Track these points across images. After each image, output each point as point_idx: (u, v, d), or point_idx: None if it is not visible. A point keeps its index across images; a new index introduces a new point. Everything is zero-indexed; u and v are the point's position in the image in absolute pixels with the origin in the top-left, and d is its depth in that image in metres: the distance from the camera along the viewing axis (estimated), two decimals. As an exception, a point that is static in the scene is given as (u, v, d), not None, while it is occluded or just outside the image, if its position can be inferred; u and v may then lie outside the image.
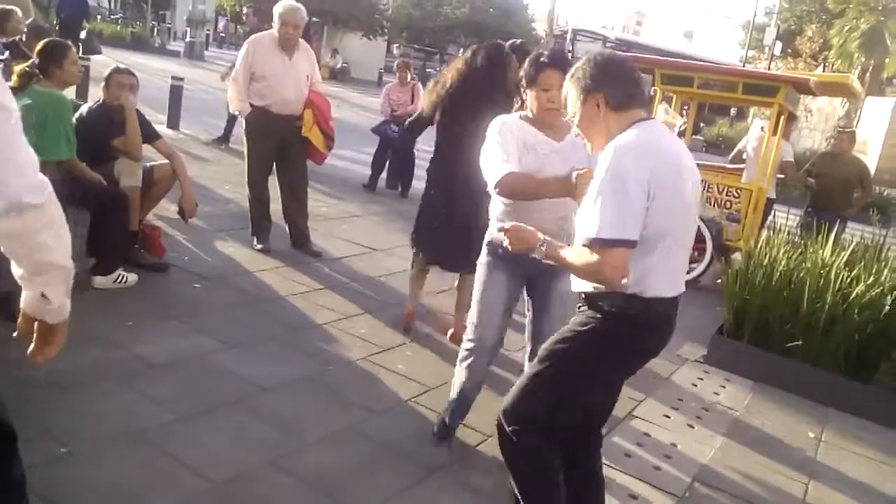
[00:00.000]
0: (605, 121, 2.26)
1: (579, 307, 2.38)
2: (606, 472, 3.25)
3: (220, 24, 43.56)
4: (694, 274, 7.02)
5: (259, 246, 5.52)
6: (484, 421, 3.32)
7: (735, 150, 8.55)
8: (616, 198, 2.08)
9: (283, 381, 3.59)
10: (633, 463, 3.43)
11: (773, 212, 7.54)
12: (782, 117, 7.27)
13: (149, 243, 4.84)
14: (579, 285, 2.33)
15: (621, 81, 2.26)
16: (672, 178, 2.17)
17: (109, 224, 4.30)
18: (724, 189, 7.01)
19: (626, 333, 2.26)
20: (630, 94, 2.26)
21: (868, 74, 22.07)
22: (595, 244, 2.08)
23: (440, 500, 2.89)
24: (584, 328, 2.28)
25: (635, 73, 2.30)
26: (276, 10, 5.34)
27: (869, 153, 24.94)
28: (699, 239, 7.00)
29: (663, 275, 2.23)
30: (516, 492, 2.45)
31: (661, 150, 2.20)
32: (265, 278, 5.03)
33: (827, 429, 4.27)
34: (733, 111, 28.77)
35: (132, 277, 4.41)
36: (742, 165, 7.82)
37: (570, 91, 2.31)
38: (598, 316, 2.27)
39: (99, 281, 4.28)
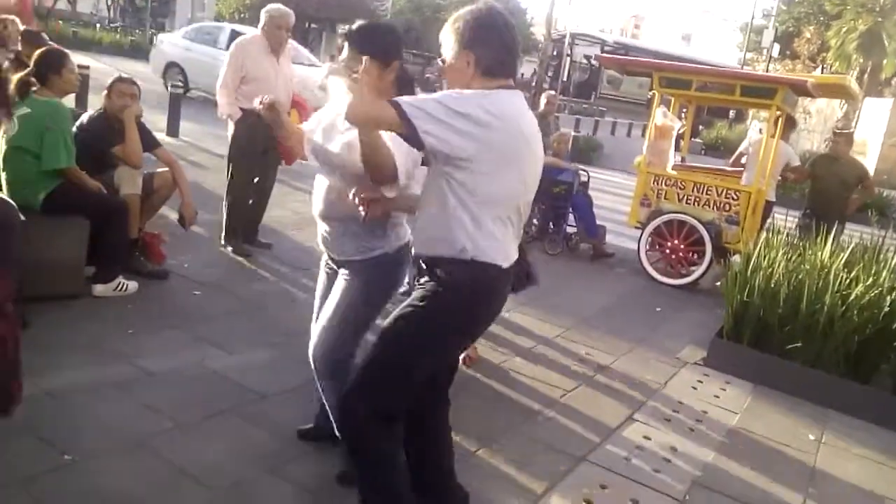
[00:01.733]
0: (470, 81, 2.26)
1: (417, 280, 2.37)
2: (606, 477, 3.28)
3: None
4: (693, 277, 7.04)
5: (230, 249, 5.57)
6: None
7: (736, 154, 8.56)
8: (446, 105, 2.11)
9: (283, 389, 3.59)
10: (632, 467, 3.43)
11: (772, 214, 7.55)
12: (780, 119, 7.30)
13: (149, 251, 4.84)
14: (421, 249, 2.35)
15: (494, 47, 2.25)
16: (516, 148, 2.22)
17: (109, 232, 4.30)
18: (722, 191, 7.02)
19: (461, 300, 2.26)
20: (501, 61, 2.27)
21: (866, 75, 22.12)
22: (398, 106, 2.10)
23: None
24: (421, 304, 2.28)
25: (511, 40, 2.28)
26: (268, 12, 5.39)
27: (868, 154, 24.98)
28: (698, 241, 7.02)
29: (497, 243, 2.25)
30: (358, 477, 2.45)
31: (513, 118, 2.22)
32: (264, 285, 5.04)
33: (827, 431, 4.27)
34: (732, 114, 28.81)
35: (132, 285, 4.42)
36: (741, 168, 7.83)
37: (447, 39, 2.30)
38: (435, 286, 2.26)
39: (99, 289, 4.28)
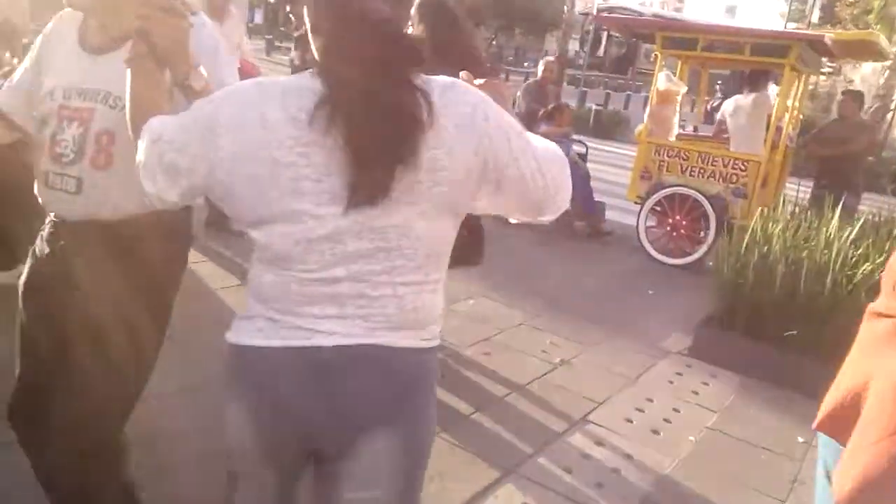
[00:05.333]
0: None
1: None
2: (533, 494, 2.77)
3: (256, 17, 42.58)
4: (697, 255, 6.41)
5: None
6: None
7: (716, 123, 7.81)
8: None
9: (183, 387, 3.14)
10: (568, 482, 2.90)
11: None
12: (797, 82, 6.61)
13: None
14: None
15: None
16: None
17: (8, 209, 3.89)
18: (729, 162, 6.36)
19: None
20: None
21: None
22: None
23: None
24: None
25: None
26: None
27: (917, 124, 23.68)
28: (703, 217, 6.40)
29: None
30: None
31: None
32: (198, 269, 4.60)
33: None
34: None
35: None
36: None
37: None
38: None
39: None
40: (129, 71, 1.44)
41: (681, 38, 6.53)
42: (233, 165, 1.20)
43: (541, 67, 7.82)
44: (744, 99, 6.78)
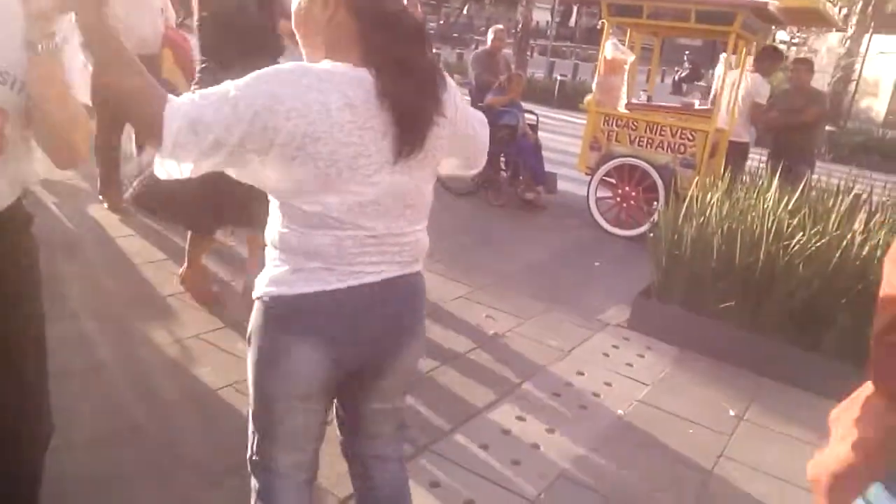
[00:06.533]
0: None
1: None
2: (445, 470, 2.70)
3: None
4: (646, 227, 6.34)
5: (107, 205, 4.97)
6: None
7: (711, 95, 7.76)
8: None
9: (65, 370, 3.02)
10: (483, 459, 2.82)
11: (747, 157, 6.82)
12: (745, 50, 6.53)
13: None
14: None
15: None
16: None
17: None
18: (677, 131, 6.29)
19: None
20: None
21: (871, 8, 20.79)
22: None
23: None
24: None
25: None
26: None
27: (880, 95, 23.85)
28: (652, 188, 6.33)
29: None
30: None
31: None
32: (126, 244, 4.45)
33: (754, 405, 3.65)
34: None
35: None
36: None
37: None
38: None
39: None
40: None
41: (627, 6, 6.41)
42: (296, 144, 1.37)
43: (490, 36, 7.67)
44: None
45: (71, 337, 3.25)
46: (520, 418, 3.17)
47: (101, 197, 5.00)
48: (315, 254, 1.49)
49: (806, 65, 6.72)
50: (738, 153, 6.68)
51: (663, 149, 6.34)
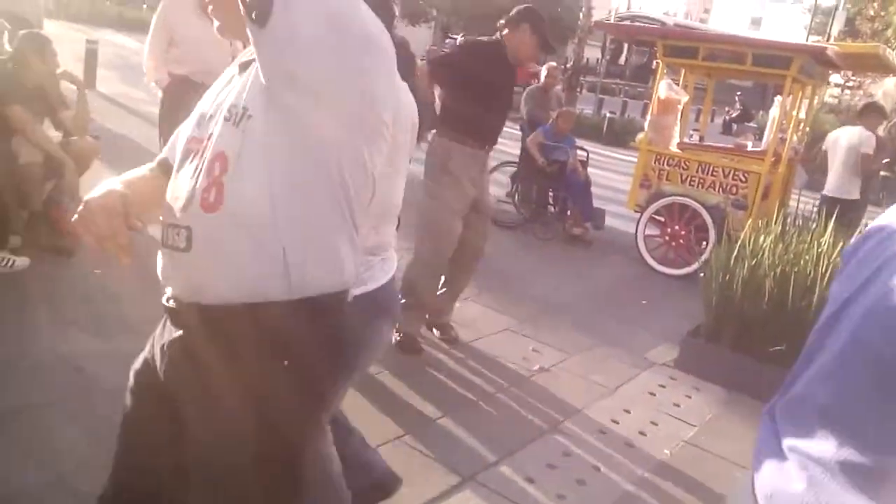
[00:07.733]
0: None
1: None
2: (494, 500, 2.71)
3: None
4: (695, 266, 6.30)
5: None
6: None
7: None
8: None
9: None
10: (529, 492, 2.82)
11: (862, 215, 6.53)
12: (801, 92, 6.51)
13: (56, 225, 4.43)
14: None
15: None
16: None
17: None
18: (729, 172, 6.26)
19: None
20: None
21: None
22: None
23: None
24: None
25: None
26: None
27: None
28: (701, 227, 6.31)
29: None
30: None
31: None
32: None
33: (803, 451, 3.58)
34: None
35: (21, 261, 4.00)
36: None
37: None
38: None
39: (-25, 265, 3.88)
40: None
41: (682, 47, 6.44)
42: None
43: (543, 73, 7.76)
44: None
45: (124, 353, 3.35)
46: (565, 453, 3.17)
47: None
48: (371, 247, 1.88)
49: (875, 109, 6.64)
50: (850, 210, 6.36)
51: (715, 189, 6.31)
